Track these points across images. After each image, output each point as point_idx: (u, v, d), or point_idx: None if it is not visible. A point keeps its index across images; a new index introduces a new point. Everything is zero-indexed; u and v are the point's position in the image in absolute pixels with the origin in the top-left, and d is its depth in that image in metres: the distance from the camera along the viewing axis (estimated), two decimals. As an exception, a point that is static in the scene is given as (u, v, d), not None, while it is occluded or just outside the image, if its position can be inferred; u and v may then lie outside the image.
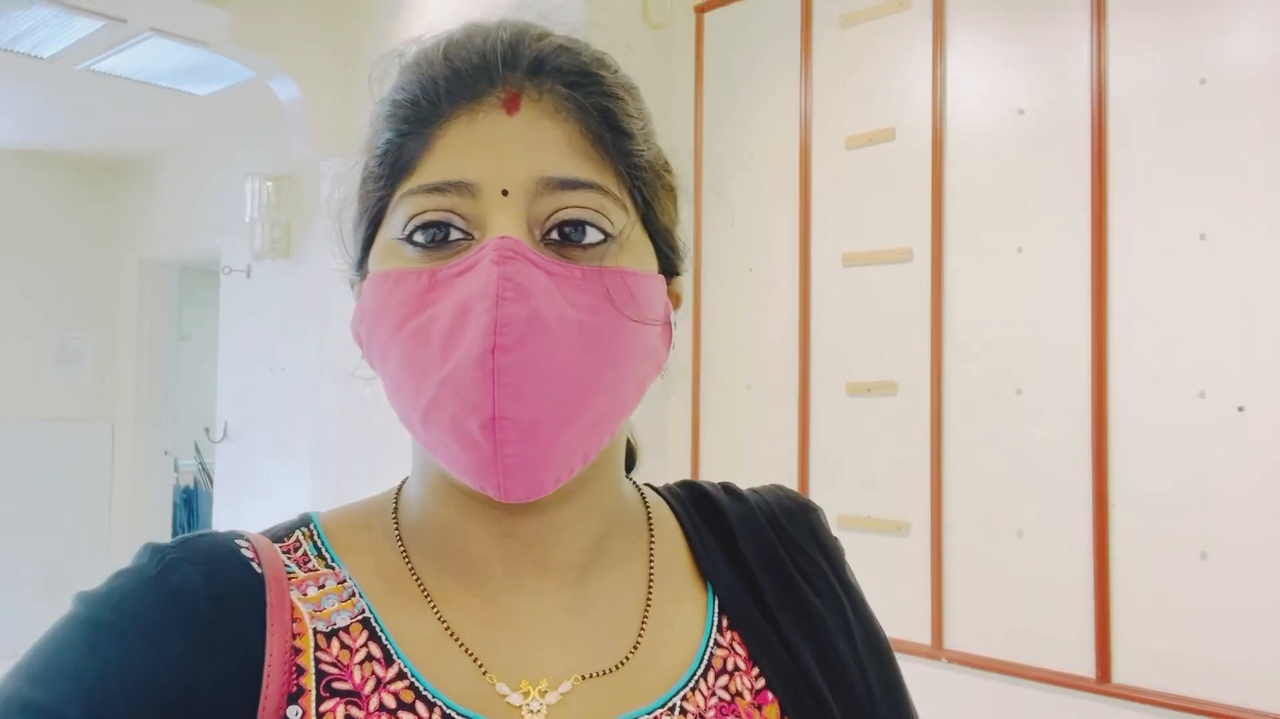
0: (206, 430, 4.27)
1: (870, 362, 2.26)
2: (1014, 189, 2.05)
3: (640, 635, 0.53)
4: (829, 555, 0.62)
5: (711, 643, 0.54)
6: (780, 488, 0.66)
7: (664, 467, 2.60)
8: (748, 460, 2.47)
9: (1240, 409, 1.76)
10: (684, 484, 0.64)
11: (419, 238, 0.48)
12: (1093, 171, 1.93)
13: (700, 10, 2.62)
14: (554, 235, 0.48)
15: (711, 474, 2.46)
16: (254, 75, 3.27)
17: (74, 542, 4.69)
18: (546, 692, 0.50)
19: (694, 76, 2.61)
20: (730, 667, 0.54)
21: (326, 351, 3.35)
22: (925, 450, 2.15)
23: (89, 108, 3.95)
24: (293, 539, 0.54)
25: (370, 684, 0.48)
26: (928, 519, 2.14)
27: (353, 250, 0.54)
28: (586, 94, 0.49)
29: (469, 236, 0.48)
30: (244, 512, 3.98)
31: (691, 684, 0.52)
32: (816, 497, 2.31)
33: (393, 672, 0.49)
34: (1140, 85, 1.90)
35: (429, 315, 0.47)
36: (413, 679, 0.49)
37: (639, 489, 0.61)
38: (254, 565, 0.50)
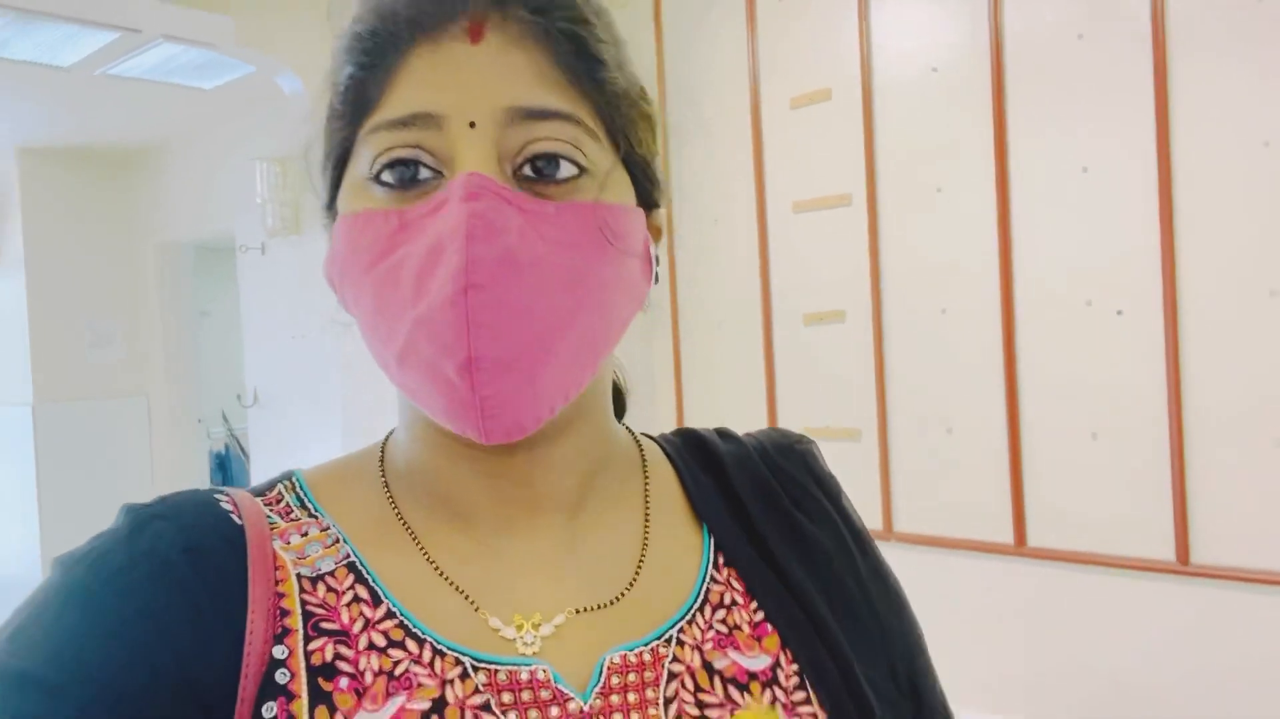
0: (239, 397, 4.65)
1: (821, 294, 2.61)
2: (932, 137, 2.39)
3: (637, 572, 0.53)
4: (824, 486, 0.62)
5: (708, 579, 0.54)
6: (774, 428, 0.66)
7: (652, 402, 2.98)
8: (722, 388, 2.84)
9: (1119, 313, 2.13)
10: (678, 431, 0.64)
11: (387, 177, 0.47)
12: (994, 118, 2.27)
13: None
14: (526, 170, 0.47)
15: (691, 403, 2.85)
16: (256, 70, 3.57)
17: (121, 503, 5.10)
18: (540, 624, 0.50)
19: (654, 45, 2.92)
20: (728, 601, 0.54)
21: (341, 314, 3.70)
22: (871, 367, 2.52)
23: (104, 107, 4.25)
24: (274, 492, 0.54)
25: (359, 624, 0.48)
26: (875, 425, 2.52)
27: (322, 191, 0.53)
28: (554, 19, 0.48)
29: (438, 174, 0.47)
30: (282, 469, 4.38)
31: (688, 617, 0.52)
32: (782, 414, 2.69)
33: (381, 611, 0.49)
34: (1030, 41, 2.22)
35: (400, 256, 0.46)
36: (402, 618, 0.49)
37: (632, 433, 0.61)
38: (233, 517, 0.50)
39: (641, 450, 0.60)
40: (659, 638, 0.51)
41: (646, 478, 0.58)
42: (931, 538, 2.41)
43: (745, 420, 2.74)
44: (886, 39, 2.45)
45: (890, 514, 2.49)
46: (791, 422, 2.68)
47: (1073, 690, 2.21)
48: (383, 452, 0.57)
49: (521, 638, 0.49)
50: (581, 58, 0.48)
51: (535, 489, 0.53)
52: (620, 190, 0.51)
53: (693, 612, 0.53)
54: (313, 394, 4.17)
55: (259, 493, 0.54)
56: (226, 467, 6.17)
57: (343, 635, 0.47)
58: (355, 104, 0.48)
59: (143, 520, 0.49)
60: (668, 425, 2.43)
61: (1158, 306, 2.07)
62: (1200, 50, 2.00)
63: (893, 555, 2.30)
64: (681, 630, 0.52)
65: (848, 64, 2.52)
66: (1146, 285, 2.08)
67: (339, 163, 0.51)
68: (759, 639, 0.53)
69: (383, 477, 0.55)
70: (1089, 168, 2.15)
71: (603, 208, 0.48)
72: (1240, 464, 1.99)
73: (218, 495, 0.52)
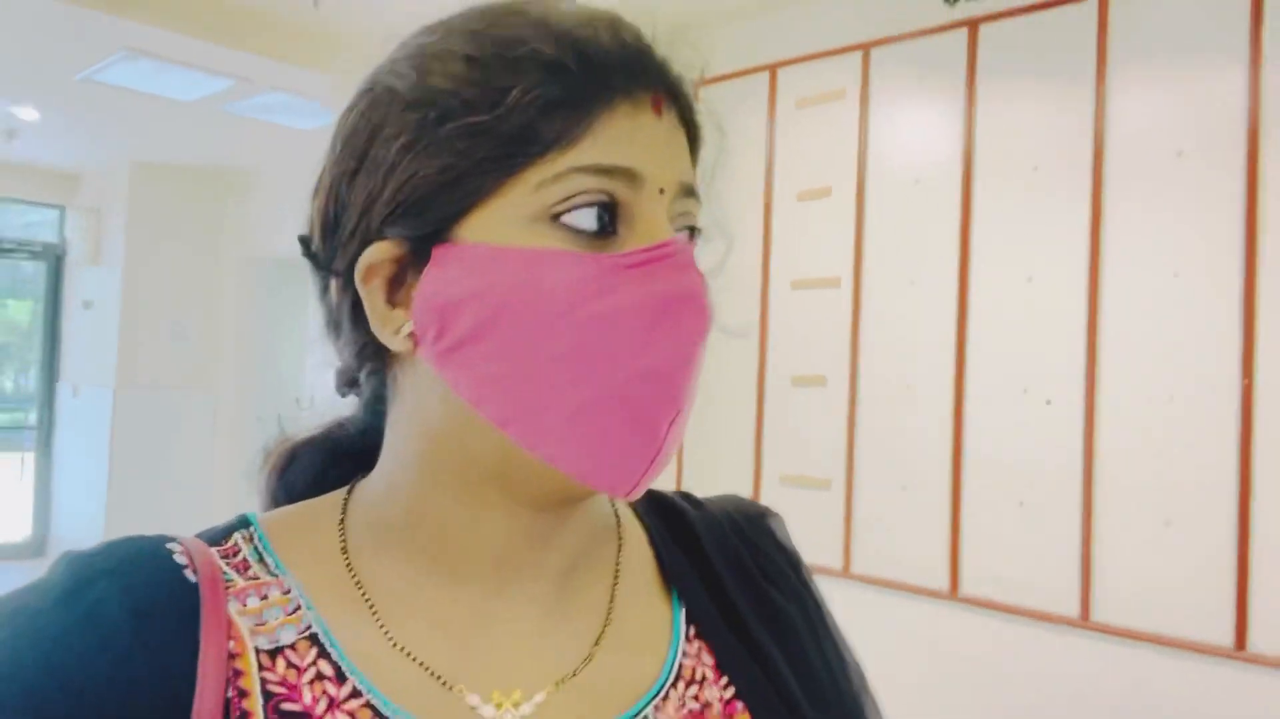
0: (296, 400, 5.16)
1: (808, 360, 3.03)
2: (910, 239, 2.81)
3: (604, 644, 0.53)
4: (791, 561, 0.62)
5: (680, 653, 0.54)
6: (736, 496, 0.65)
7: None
8: (718, 435, 3.26)
9: (1048, 402, 2.51)
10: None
11: (578, 220, 0.46)
12: (960, 228, 2.69)
13: (695, 86, 3.38)
14: None
15: (693, 446, 3.26)
16: (348, 117, 4.10)
17: (183, 488, 5.63)
18: (520, 703, 0.49)
19: (689, 137, 3.38)
20: (699, 676, 0.53)
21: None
22: (844, 427, 2.92)
23: (211, 135, 4.83)
24: (231, 543, 0.51)
25: (322, 704, 0.45)
26: (844, 477, 2.91)
27: (391, 211, 0.47)
28: (693, 109, 0.53)
29: (614, 229, 0.47)
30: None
31: (662, 694, 0.52)
32: (767, 463, 3.10)
33: (346, 690, 0.46)
34: (996, 167, 2.64)
35: (609, 304, 0.45)
36: (369, 696, 0.46)
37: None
38: (187, 573, 0.47)
39: (616, 513, 0.59)
40: (634, 716, 0.50)
41: (621, 544, 0.58)
42: (882, 579, 2.79)
43: (737, 459, 3.16)
44: (880, 151, 2.89)
45: (849, 555, 2.87)
46: (773, 467, 3.08)
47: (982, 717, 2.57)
48: (345, 505, 0.54)
49: (500, 717, 0.48)
50: (697, 148, 0.54)
51: (546, 551, 0.52)
52: None
53: (666, 688, 0.52)
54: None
55: (214, 540, 0.51)
56: (276, 463, 6.69)
57: (304, 718, 0.45)
58: (545, 135, 0.46)
59: (85, 578, 0.45)
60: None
61: (1080, 400, 2.45)
62: (1130, 192, 2.40)
63: (849, 592, 2.79)
64: (656, 708, 0.51)
65: (847, 168, 2.95)
66: (1072, 381, 2.47)
67: (479, 189, 0.46)
68: (729, 717, 0.53)
69: (341, 535, 0.52)
70: (1033, 278, 2.55)
71: None
72: (1136, 539, 2.35)
73: (170, 546, 0.48)
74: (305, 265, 0.53)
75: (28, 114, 4.57)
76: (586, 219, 0.46)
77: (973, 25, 2.69)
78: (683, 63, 0.52)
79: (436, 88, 0.47)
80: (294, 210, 0.54)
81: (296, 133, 4.64)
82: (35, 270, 6.22)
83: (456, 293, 0.46)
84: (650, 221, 0.47)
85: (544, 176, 0.46)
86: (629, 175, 0.47)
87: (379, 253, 0.48)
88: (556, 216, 0.46)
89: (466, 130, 0.46)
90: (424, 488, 0.51)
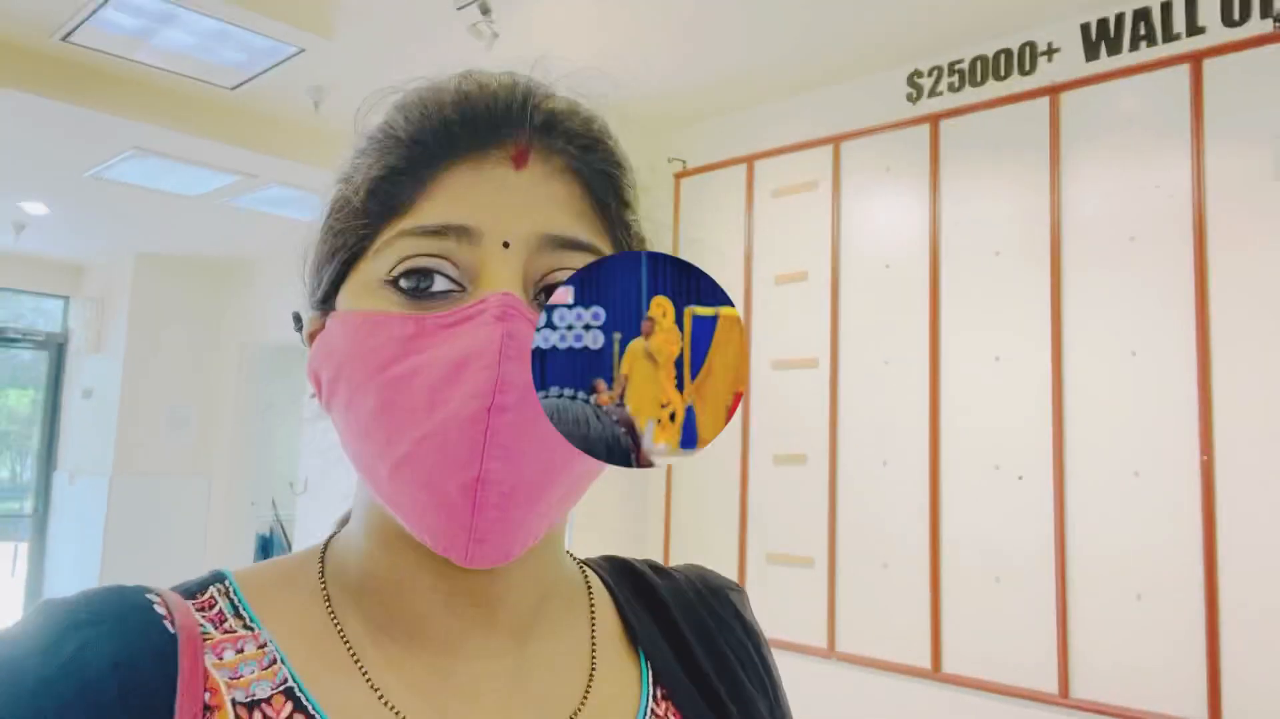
0: (290, 484, 5.20)
1: (789, 439, 3.10)
2: (883, 320, 2.91)
3: (583, 702, 0.53)
4: (753, 637, 0.63)
5: (649, 713, 0.54)
6: (701, 567, 0.66)
7: (644, 518, 3.44)
8: (704, 514, 3.30)
9: (1020, 478, 2.57)
10: (608, 559, 0.64)
11: (405, 283, 0.47)
12: (929, 310, 2.79)
13: (678, 177, 3.55)
14: (544, 296, 0.48)
15: (680, 520, 3.30)
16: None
17: (175, 574, 5.61)
18: None
19: (672, 226, 3.53)
20: None
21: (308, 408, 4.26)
22: (825, 505, 2.97)
23: (214, 227, 4.99)
24: (207, 596, 0.51)
25: None
26: (826, 555, 2.95)
27: (318, 286, 0.52)
28: (594, 158, 0.50)
29: (459, 287, 0.47)
30: (320, 552, 4.89)
31: None
32: (751, 540, 3.14)
33: None
34: (956, 254, 2.76)
35: (414, 364, 0.45)
36: None
37: (574, 558, 0.61)
38: (166, 624, 0.46)
39: (585, 575, 0.60)
40: None
41: (592, 605, 0.58)
42: (866, 658, 2.81)
43: (723, 538, 3.20)
44: (852, 237, 3.02)
45: (834, 634, 2.89)
46: (758, 545, 3.12)
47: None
48: (323, 559, 0.54)
49: None
50: (614, 198, 0.51)
51: (492, 609, 0.52)
52: None
53: None
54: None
55: (189, 593, 0.51)
56: (269, 548, 6.67)
57: None
58: (382, 205, 0.48)
59: (67, 627, 0.44)
60: (658, 539, 2.95)
61: (1049, 476, 2.51)
62: (1087, 274, 2.52)
63: (834, 672, 2.83)
64: None
65: (821, 253, 3.08)
66: (1042, 458, 2.54)
67: (347, 260, 0.50)
68: None
69: (323, 587, 0.52)
70: (1000, 357, 2.64)
71: None
72: (1110, 614, 2.39)
73: (150, 596, 0.48)
74: (302, 350, 0.57)
75: (36, 208, 4.74)
76: (417, 280, 0.47)
77: (934, 120, 2.84)
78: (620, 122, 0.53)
79: (338, 174, 0.52)
80: (292, 298, 0.59)
81: (296, 223, 4.79)
82: (36, 359, 6.32)
83: (321, 355, 0.50)
84: (490, 277, 0.47)
85: (378, 244, 0.48)
86: (461, 232, 0.47)
87: (310, 323, 0.53)
88: (394, 280, 0.47)
89: (335, 209, 0.50)
90: (370, 544, 0.52)
